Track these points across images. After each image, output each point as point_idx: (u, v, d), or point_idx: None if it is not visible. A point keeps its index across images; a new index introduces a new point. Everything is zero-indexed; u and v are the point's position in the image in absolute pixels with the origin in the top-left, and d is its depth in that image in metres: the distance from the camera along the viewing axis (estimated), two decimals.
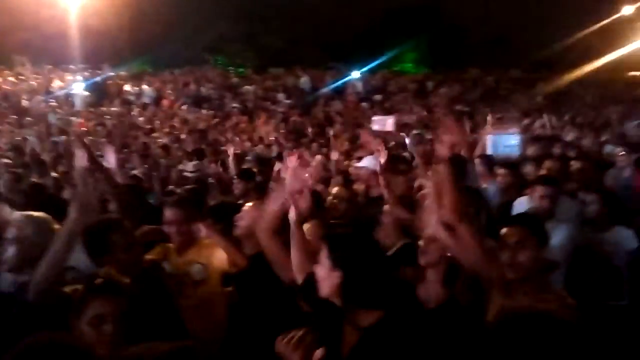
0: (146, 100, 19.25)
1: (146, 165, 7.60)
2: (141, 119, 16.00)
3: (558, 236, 3.78)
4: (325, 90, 21.22)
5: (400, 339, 1.99)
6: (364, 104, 19.31)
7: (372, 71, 24.16)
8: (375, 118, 11.60)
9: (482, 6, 27.87)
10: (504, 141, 7.09)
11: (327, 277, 2.12)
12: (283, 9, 27.49)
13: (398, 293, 2.25)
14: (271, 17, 27.87)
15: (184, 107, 18.04)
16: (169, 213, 3.61)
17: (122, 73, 21.28)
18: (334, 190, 5.01)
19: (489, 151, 6.84)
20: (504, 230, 2.65)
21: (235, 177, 6.03)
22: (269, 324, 2.58)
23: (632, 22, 24.33)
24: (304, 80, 21.74)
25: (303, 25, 27.35)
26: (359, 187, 5.49)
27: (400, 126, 12.22)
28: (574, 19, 24.39)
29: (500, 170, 5.24)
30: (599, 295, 4.05)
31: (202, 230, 3.50)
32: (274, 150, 9.73)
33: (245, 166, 6.98)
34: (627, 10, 24.27)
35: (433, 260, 2.87)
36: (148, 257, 3.47)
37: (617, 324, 3.84)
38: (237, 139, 11.45)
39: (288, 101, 19.52)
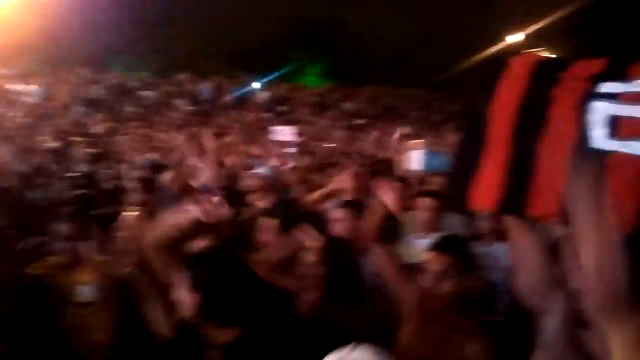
0: (35, 100, 18.15)
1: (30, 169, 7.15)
2: (28, 120, 15.04)
3: None
4: (227, 98, 21.05)
5: (258, 354, 1.99)
6: (266, 115, 19.33)
7: (275, 83, 24.27)
8: (274, 128, 11.60)
9: (383, 26, 28.83)
10: (432, 158, 6.81)
11: (184, 299, 2.08)
12: (187, 15, 27.02)
13: (262, 307, 2.23)
14: (174, 23, 27.27)
15: (77, 109, 17.19)
16: (62, 227, 3.39)
17: (10, 71, 19.92)
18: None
19: (417, 167, 6.70)
20: (427, 257, 2.50)
21: (136, 184, 5.78)
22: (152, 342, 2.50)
23: (521, 48, 26.11)
24: (206, 88, 21.45)
25: (207, 32, 27.00)
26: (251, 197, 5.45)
27: (300, 138, 12.35)
28: (469, 44, 25.76)
29: (392, 184, 5.38)
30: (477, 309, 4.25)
31: (88, 248, 3.31)
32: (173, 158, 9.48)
33: (140, 173, 6.73)
34: (516, 37, 25.99)
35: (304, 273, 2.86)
36: (33, 270, 3.26)
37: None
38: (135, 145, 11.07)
39: (188, 108, 19.15)
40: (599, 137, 1.58)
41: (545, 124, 1.66)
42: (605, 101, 1.58)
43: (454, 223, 4.63)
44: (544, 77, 1.70)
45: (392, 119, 20.75)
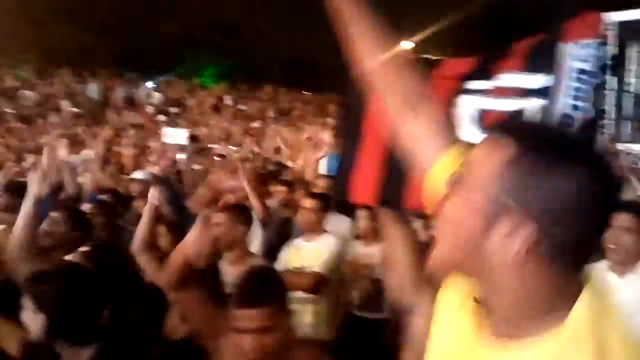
0: None
1: None
2: None
3: (326, 250, 3.97)
4: (116, 99, 20.13)
5: None
6: (159, 117, 18.68)
7: (168, 83, 23.57)
8: (166, 130, 11.25)
9: (282, 28, 28.89)
10: (332, 161, 6.67)
11: (32, 319, 1.91)
12: (74, 10, 25.62)
13: (123, 327, 2.07)
14: (60, 18, 25.75)
15: None
16: None
17: None
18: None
19: (326, 171, 6.61)
20: (240, 312, 1.97)
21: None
22: None
23: (411, 53, 27.09)
24: (93, 88, 20.38)
25: (95, 29, 25.75)
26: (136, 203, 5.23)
27: (193, 140, 12.07)
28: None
29: (278, 187, 5.35)
30: (359, 307, 4.33)
31: None
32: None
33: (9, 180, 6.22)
34: (406, 44, 26.97)
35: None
36: None
37: (374, 337, 4.09)
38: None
39: (73, 109, 18.10)
40: (468, 130, 1.70)
41: None
42: (472, 96, 1.73)
43: (340, 224, 4.68)
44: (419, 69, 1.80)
45: (290, 121, 20.81)
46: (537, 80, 1.63)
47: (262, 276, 2.19)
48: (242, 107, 22.10)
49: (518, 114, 1.63)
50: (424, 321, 1.74)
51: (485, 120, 1.70)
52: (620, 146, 12.04)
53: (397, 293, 1.91)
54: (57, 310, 1.85)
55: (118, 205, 5.04)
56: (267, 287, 2.06)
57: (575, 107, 1.56)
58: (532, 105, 1.62)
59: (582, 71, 1.57)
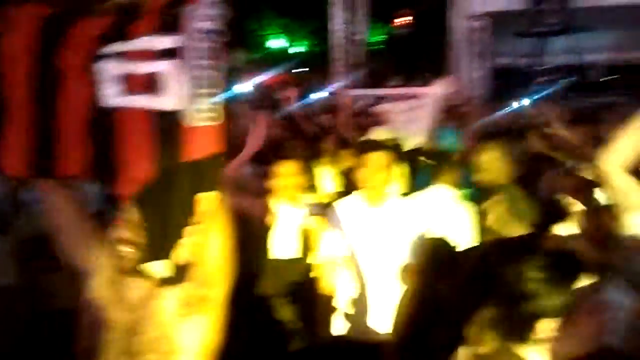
0: None
1: None
2: None
3: None
4: None
5: None
6: None
7: None
8: None
9: None
10: None
11: None
12: None
13: None
14: None
15: None
16: None
17: None
18: None
19: None
20: None
21: None
22: None
23: None
24: None
25: None
26: None
27: None
28: None
29: None
30: None
31: None
32: None
33: None
34: None
35: None
36: None
37: None
38: None
39: None
40: (111, 95, 1.66)
41: (60, 84, 1.68)
42: (111, 60, 1.66)
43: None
44: (53, 34, 1.70)
45: None
46: (168, 41, 1.64)
47: None
48: None
49: (154, 76, 1.64)
50: (103, 278, 1.75)
51: (127, 84, 1.66)
52: (353, 92, 12.73)
53: (70, 258, 1.83)
54: None
55: None
56: None
57: (203, 66, 1.60)
58: (166, 67, 1.63)
59: (208, 30, 1.60)
